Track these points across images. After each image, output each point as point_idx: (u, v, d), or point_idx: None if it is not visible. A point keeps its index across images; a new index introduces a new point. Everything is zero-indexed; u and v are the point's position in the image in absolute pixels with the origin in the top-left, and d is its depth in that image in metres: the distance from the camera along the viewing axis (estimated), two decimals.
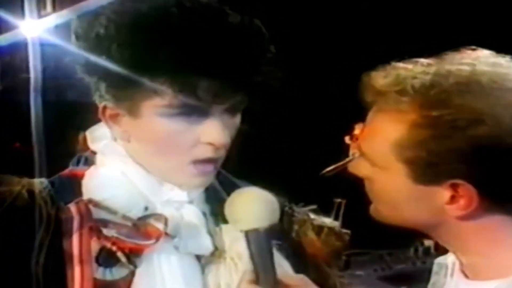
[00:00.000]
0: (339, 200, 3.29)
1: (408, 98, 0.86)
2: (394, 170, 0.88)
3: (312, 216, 1.11)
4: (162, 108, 0.91)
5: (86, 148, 1.04)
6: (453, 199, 0.87)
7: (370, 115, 0.94)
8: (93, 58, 0.92)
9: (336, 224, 1.12)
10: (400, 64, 0.91)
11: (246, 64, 0.91)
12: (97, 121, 1.03)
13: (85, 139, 1.05)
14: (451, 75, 0.86)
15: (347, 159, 3.40)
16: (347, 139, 3.92)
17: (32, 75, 2.69)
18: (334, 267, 1.10)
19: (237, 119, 0.97)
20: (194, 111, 0.91)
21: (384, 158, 0.89)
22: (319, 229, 1.09)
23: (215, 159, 0.96)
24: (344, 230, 1.12)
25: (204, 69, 0.88)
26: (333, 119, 3.71)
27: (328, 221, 1.11)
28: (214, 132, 0.92)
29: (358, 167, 0.96)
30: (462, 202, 0.86)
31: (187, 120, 0.92)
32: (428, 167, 0.86)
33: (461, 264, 0.95)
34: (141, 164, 0.97)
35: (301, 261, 1.03)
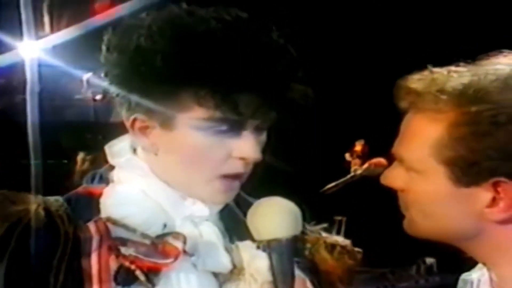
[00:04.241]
0: (339, 217, 3.27)
1: (447, 96, 0.85)
2: (434, 174, 0.86)
3: (324, 234, 1.10)
4: (198, 121, 0.91)
5: (86, 169, 1.03)
6: (493, 201, 0.85)
7: (406, 120, 0.92)
8: (130, 69, 0.92)
9: (348, 242, 1.11)
10: (435, 69, 0.90)
11: (283, 80, 0.92)
12: (96, 141, 1.02)
13: (84, 160, 1.04)
14: (489, 74, 0.85)
15: (348, 176, 3.40)
16: (347, 156, 3.92)
17: (28, 95, 2.68)
18: (348, 284, 1.08)
19: (265, 136, 0.97)
20: (230, 125, 0.92)
21: (423, 161, 0.87)
22: (331, 247, 1.08)
23: (243, 175, 0.96)
24: (356, 249, 1.10)
25: (245, 83, 0.89)
26: (332, 136, 3.70)
27: (340, 239, 1.10)
28: (247, 147, 0.93)
29: (392, 177, 0.93)
30: (502, 204, 0.84)
31: (221, 134, 0.92)
32: (469, 166, 0.84)
33: (491, 279, 0.92)
34: (163, 178, 0.97)
35: (315, 279, 1.01)
